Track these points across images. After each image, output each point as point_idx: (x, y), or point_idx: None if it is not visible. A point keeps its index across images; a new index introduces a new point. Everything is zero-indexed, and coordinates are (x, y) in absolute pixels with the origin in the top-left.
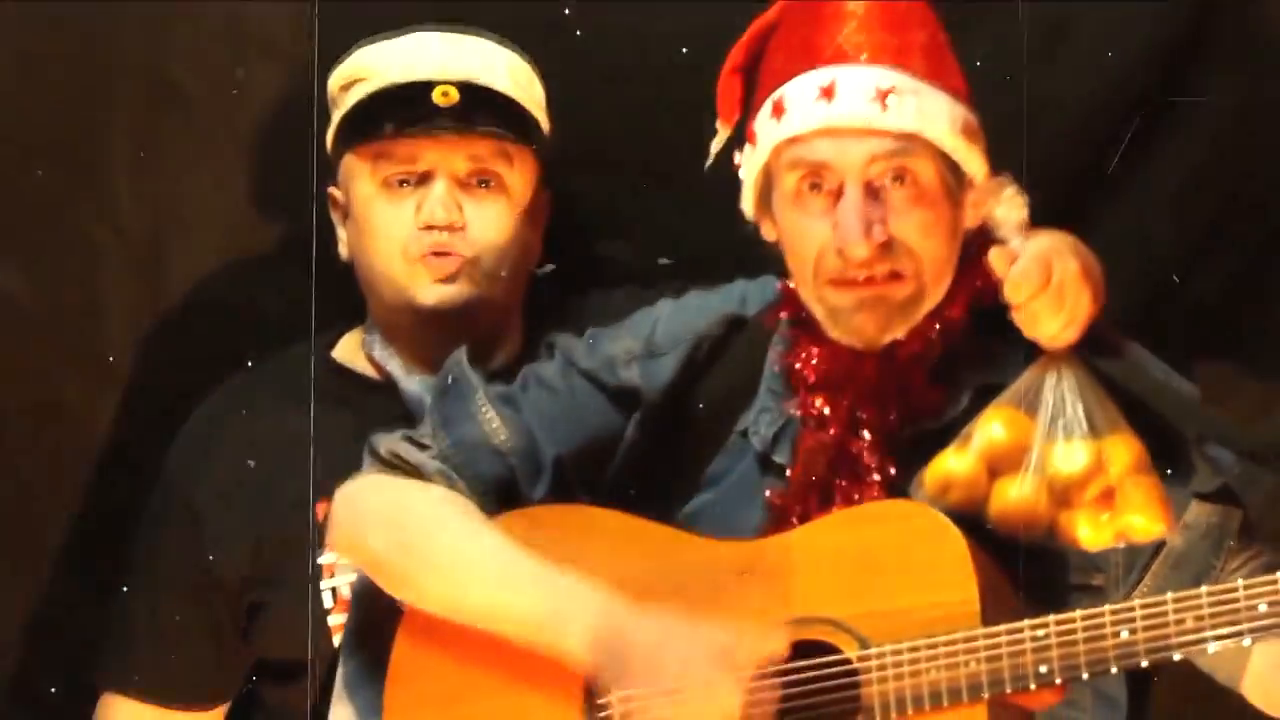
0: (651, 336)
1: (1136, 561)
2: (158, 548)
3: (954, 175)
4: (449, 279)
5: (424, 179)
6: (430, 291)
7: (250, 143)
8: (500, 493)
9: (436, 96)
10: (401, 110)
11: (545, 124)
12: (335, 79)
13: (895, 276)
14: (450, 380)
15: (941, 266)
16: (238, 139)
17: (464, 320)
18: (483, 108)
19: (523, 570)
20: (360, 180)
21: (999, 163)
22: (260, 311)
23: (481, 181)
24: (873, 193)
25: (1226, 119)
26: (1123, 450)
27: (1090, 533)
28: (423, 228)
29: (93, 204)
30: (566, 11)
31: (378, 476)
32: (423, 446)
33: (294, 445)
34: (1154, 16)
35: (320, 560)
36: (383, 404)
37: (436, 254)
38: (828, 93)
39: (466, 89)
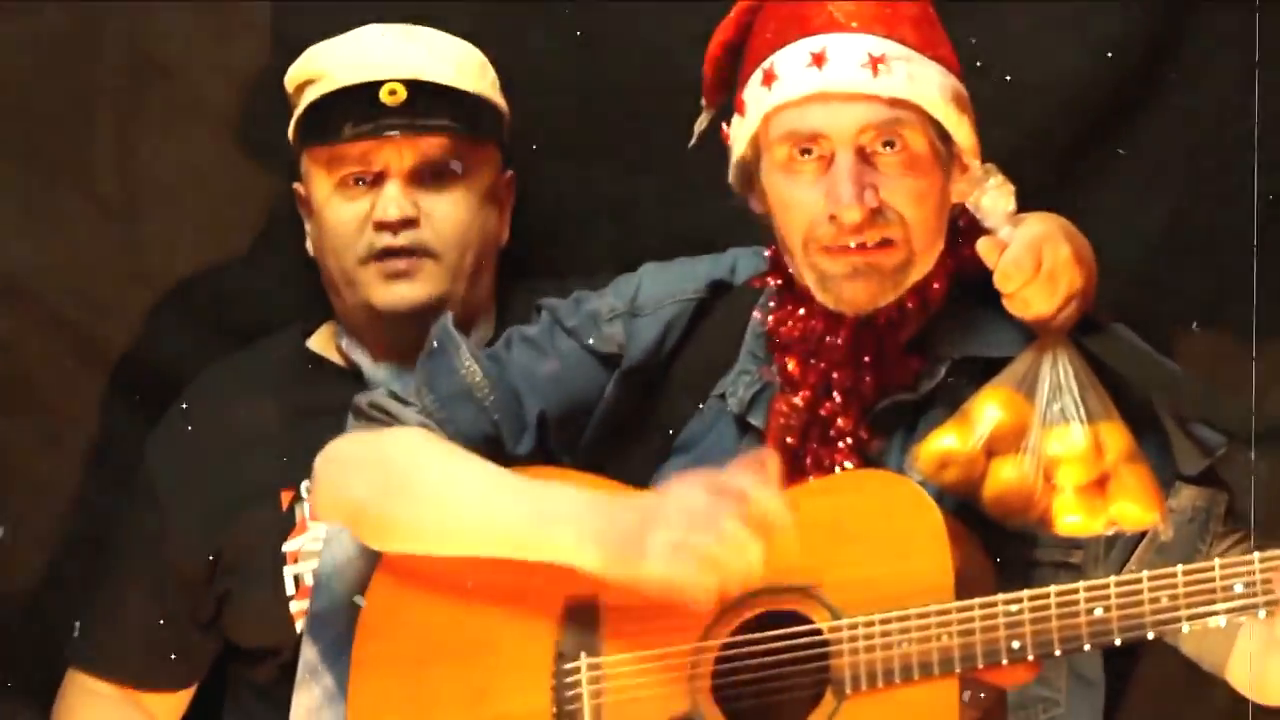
0: (635, 297)
1: (1117, 540)
2: (125, 533)
3: (944, 144)
4: (404, 277)
5: (378, 179)
6: (385, 293)
7: (233, 119)
8: (483, 450)
9: (384, 96)
10: (351, 113)
11: (501, 110)
12: (290, 79)
13: (886, 243)
14: (435, 343)
15: (931, 235)
16: (221, 115)
17: (423, 318)
18: (431, 104)
19: (508, 485)
20: (318, 181)
21: (990, 145)
22: (247, 295)
23: (435, 176)
24: (865, 158)
25: (1219, 100)
26: (1116, 437)
27: (1083, 519)
28: (376, 227)
29: (73, 177)
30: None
31: (356, 433)
32: (406, 403)
33: (262, 433)
34: None
35: (284, 548)
36: (353, 393)
37: (390, 253)
38: (819, 59)
39: (414, 86)
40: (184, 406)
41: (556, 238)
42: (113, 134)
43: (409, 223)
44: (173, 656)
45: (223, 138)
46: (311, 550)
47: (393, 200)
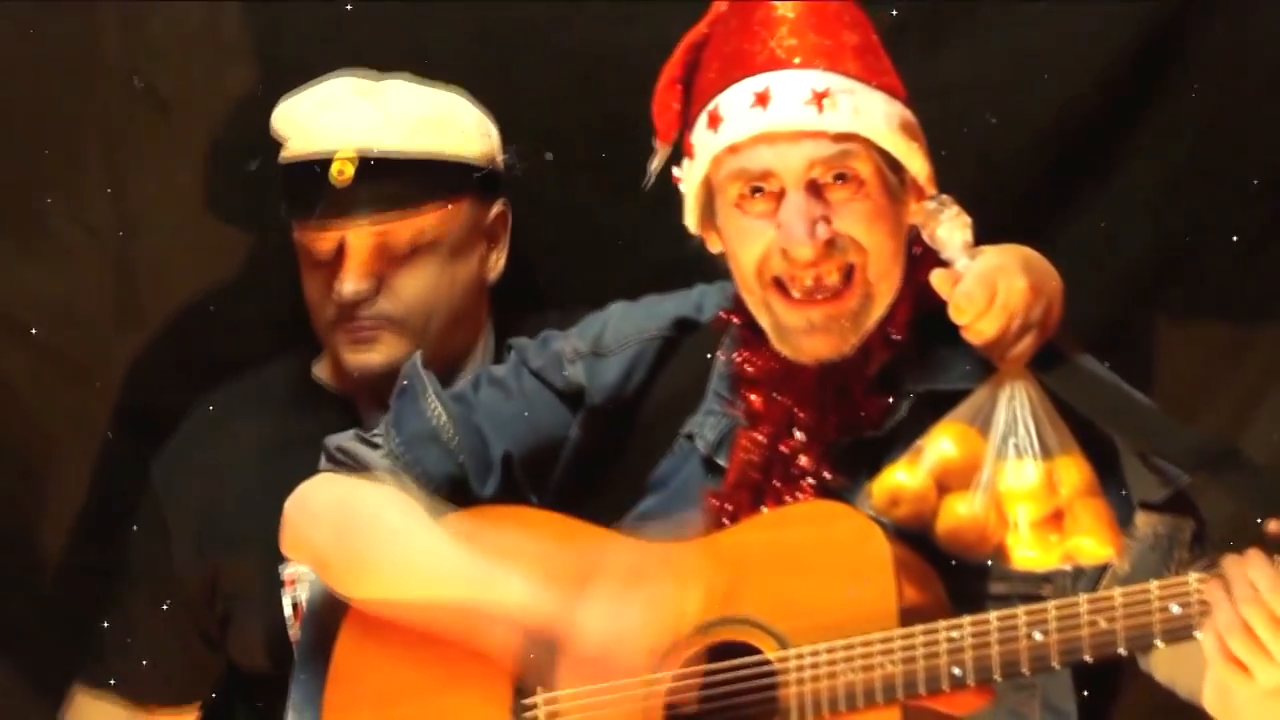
0: (600, 336)
1: (1083, 573)
2: (134, 555)
3: (895, 173)
4: (366, 344)
5: (339, 253)
6: (350, 357)
7: (225, 147)
8: (449, 491)
9: (333, 175)
10: (303, 193)
11: (470, 160)
12: (272, 131)
13: (843, 286)
14: (404, 383)
15: (888, 262)
16: (213, 143)
17: (391, 381)
18: (382, 179)
19: (454, 562)
20: (298, 244)
21: (960, 176)
22: (245, 320)
23: (394, 247)
24: (816, 192)
25: (1199, 124)
26: (1073, 472)
27: (1038, 554)
28: (336, 302)
29: (65, 205)
30: None
31: (327, 476)
32: (373, 445)
33: (264, 458)
34: (1125, 19)
35: (282, 573)
36: (352, 422)
37: (352, 324)
38: (762, 99)
39: (363, 162)
40: (189, 428)
41: (561, 267)
42: (106, 165)
43: (367, 298)
44: (180, 674)
45: (218, 169)
46: (307, 575)
47: (348, 279)
